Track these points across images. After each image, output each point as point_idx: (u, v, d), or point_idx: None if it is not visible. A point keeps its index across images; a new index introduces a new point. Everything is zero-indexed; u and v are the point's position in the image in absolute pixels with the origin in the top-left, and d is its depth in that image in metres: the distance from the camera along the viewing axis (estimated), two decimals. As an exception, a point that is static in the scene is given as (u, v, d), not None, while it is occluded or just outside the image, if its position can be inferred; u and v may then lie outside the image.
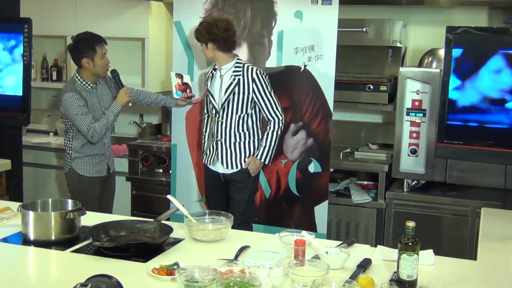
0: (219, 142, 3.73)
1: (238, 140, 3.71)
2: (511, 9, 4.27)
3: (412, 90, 3.97)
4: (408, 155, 4.03)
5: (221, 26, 3.63)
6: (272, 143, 3.71)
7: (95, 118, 3.82)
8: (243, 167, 3.71)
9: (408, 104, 3.99)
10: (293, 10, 3.97)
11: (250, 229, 3.76)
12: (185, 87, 4.12)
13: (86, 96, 3.81)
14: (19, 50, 4.37)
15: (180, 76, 4.10)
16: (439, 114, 3.69)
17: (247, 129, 3.72)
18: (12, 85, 4.42)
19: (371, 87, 4.30)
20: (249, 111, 3.69)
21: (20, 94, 4.37)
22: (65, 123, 3.91)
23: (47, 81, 5.53)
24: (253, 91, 3.65)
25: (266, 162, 3.76)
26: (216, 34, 3.62)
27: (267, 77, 3.70)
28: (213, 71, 3.77)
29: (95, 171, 3.92)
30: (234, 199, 3.78)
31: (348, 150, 4.53)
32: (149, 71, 5.04)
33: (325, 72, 3.93)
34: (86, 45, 3.80)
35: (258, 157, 3.71)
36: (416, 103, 3.97)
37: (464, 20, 4.31)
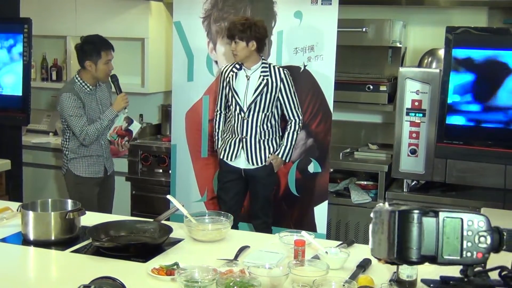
0: (244, 139, 3.78)
1: (263, 137, 3.78)
2: (511, 9, 4.27)
3: (412, 90, 3.97)
4: (408, 155, 4.03)
5: (264, 27, 3.73)
6: (293, 143, 3.82)
7: (92, 120, 3.83)
8: (266, 163, 3.79)
9: (407, 104, 3.99)
10: (292, 10, 3.98)
11: (270, 228, 3.84)
12: (125, 133, 3.98)
13: (84, 98, 3.81)
14: (18, 49, 4.37)
15: (129, 121, 3.98)
16: (438, 114, 3.69)
17: (271, 127, 3.81)
18: (11, 84, 4.43)
19: (371, 87, 4.30)
20: (273, 109, 3.78)
21: (20, 94, 4.37)
22: (62, 124, 3.92)
23: (46, 81, 5.52)
24: (280, 90, 3.74)
25: (287, 161, 3.87)
26: (262, 33, 3.70)
27: (291, 77, 3.77)
28: (234, 70, 3.78)
29: (91, 172, 3.92)
30: (258, 195, 3.87)
31: (348, 150, 4.53)
32: (149, 71, 5.04)
33: (325, 72, 3.94)
34: (92, 48, 3.80)
35: (280, 155, 3.81)
36: (416, 103, 3.97)
37: (464, 20, 4.31)
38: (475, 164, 3.85)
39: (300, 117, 3.82)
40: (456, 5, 4.43)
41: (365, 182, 4.39)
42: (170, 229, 2.60)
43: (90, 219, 2.74)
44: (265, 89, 3.72)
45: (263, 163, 3.80)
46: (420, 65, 4.28)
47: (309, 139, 4.04)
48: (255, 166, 3.81)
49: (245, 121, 3.77)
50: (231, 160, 3.84)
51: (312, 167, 4.05)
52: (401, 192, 4.14)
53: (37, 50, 5.21)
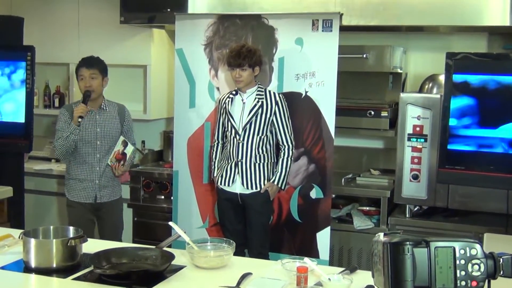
0: (239, 163, 3.79)
1: (258, 161, 3.79)
2: (510, 35, 4.30)
3: (413, 116, 3.98)
4: (410, 180, 4.02)
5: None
6: (288, 169, 3.83)
7: (83, 139, 3.89)
8: (262, 191, 3.77)
9: (409, 129, 3.99)
10: (293, 37, 4.00)
11: (267, 255, 3.81)
12: (121, 157, 4.01)
13: None
14: (20, 77, 4.42)
15: (125, 144, 4.01)
16: (440, 139, 3.70)
17: (266, 152, 3.82)
18: (11, 111, 4.46)
19: (372, 112, 4.31)
20: (268, 134, 3.80)
21: (23, 121, 4.40)
22: None
23: (49, 108, 5.55)
24: (274, 113, 3.77)
25: (283, 188, 3.85)
26: (262, 58, 3.80)
27: (286, 102, 3.82)
28: (230, 96, 3.83)
29: (77, 196, 3.96)
30: (254, 223, 3.83)
31: (350, 176, 4.53)
32: (151, 97, 5.07)
33: (326, 98, 3.95)
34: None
35: (275, 182, 3.81)
36: (417, 129, 3.98)
37: (464, 46, 4.33)
38: (477, 189, 3.85)
39: (293, 143, 3.84)
40: (456, 31, 4.46)
41: (368, 208, 4.37)
42: (172, 256, 2.59)
43: (92, 246, 2.73)
44: (260, 110, 3.75)
45: (258, 188, 3.79)
46: (421, 90, 4.30)
47: (311, 165, 4.04)
48: (250, 190, 3.80)
49: (240, 144, 3.78)
50: (227, 185, 3.84)
51: (314, 193, 4.04)
52: (404, 217, 4.13)
53: (40, 77, 5.25)
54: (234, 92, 3.84)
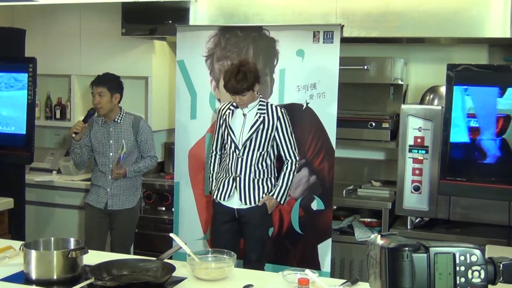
0: (237, 178, 3.73)
1: (257, 177, 3.73)
2: (511, 46, 4.31)
3: (414, 127, 3.98)
4: (411, 192, 4.02)
5: (255, 64, 3.78)
6: (289, 183, 3.76)
7: (98, 151, 4.15)
8: (259, 204, 3.73)
9: (410, 141, 3.99)
10: (295, 49, 4.01)
11: (263, 268, 3.76)
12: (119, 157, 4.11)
13: (94, 128, 4.17)
14: (22, 88, 4.43)
15: (122, 147, 4.09)
16: (441, 151, 3.70)
17: (266, 167, 3.75)
18: (14, 123, 4.48)
19: (373, 124, 4.31)
20: (269, 149, 3.74)
21: (24, 132, 4.40)
22: None
23: (50, 120, 5.56)
24: (276, 129, 3.71)
25: (282, 202, 3.80)
26: (258, 73, 3.71)
27: (288, 116, 3.76)
28: (231, 108, 3.79)
29: (91, 200, 4.22)
30: (250, 236, 3.77)
31: (351, 187, 4.52)
32: (152, 109, 5.08)
33: (327, 109, 3.95)
34: None
35: (275, 196, 3.74)
36: (418, 140, 3.98)
37: (465, 57, 4.35)
38: (479, 200, 3.84)
39: (297, 158, 3.77)
40: (456, 42, 4.47)
41: (369, 219, 4.37)
42: (172, 268, 2.59)
43: (93, 258, 2.72)
44: (261, 126, 3.70)
45: (256, 203, 3.73)
46: (422, 102, 4.30)
47: (312, 176, 4.03)
48: (248, 205, 3.73)
49: (240, 159, 3.72)
50: (224, 199, 3.77)
51: (316, 205, 4.03)
52: (405, 229, 4.11)
53: (41, 89, 5.26)
54: (235, 104, 3.79)
